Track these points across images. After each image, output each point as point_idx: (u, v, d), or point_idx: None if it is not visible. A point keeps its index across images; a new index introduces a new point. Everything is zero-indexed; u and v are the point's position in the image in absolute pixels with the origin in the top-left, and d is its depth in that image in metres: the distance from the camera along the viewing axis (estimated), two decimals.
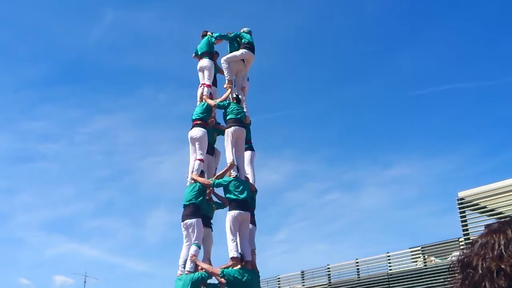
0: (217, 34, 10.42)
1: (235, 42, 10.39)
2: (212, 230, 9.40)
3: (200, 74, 10.25)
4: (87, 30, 52.53)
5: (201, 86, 10.08)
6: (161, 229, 52.11)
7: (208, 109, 9.68)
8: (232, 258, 8.23)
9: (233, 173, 8.85)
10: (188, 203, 8.76)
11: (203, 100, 9.78)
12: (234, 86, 10.20)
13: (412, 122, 49.23)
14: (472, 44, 46.11)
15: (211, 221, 9.45)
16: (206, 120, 9.63)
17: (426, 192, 48.11)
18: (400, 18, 49.32)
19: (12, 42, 51.07)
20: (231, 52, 10.30)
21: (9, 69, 52.14)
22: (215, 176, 9.07)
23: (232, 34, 10.37)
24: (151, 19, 51.08)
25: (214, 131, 9.91)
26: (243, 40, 10.15)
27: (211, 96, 9.90)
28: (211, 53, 10.34)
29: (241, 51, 10.00)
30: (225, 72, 9.94)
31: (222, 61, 10.01)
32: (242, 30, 10.38)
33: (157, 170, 53.32)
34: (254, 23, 51.15)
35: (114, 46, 52.97)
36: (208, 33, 10.48)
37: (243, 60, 10.15)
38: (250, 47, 10.07)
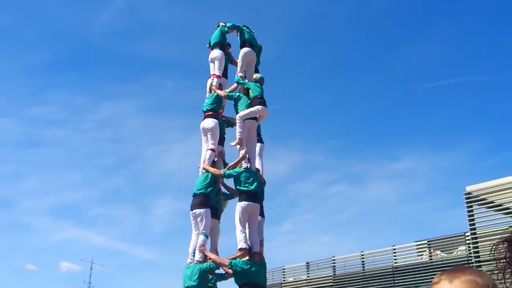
0: (230, 24, 10.38)
1: (241, 36, 10.28)
2: (219, 222, 9.44)
3: (211, 65, 10.23)
4: (95, 16, 52.57)
5: (211, 76, 10.08)
6: (167, 217, 52.45)
7: (218, 100, 9.68)
8: (241, 249, 8.26)
9: (244, 164, 8.86)
10: (198, 192, 8.80)
11: (213, 91, 9.79)
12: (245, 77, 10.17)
13: (421, 116, 49.14)
14: (483, 37, 45.81)
15: (219, 212, 9.49)
16: (217, 110, 9.64)
17: (433, 186, 48.11)
18: (409, 10, 49.01)
19: (19, 27, 51.28)
20: (241, 42, 10.24)
21: (17, 54, 52.38)
22: (227, 167, 9.09)
23: (246, 29, 10.30)
24: (160, 6, 51.03)
25: (224, 122, 9.92)
26: (253, 93, 9.39)
27: (220, 87, 9.88)
28: (223, 44, 10.30)
29: (256, 107, 9.20)
30: (238, 129, 9.13)
31: (237, 118, 9.20)
32: (254, 76, 9.97)
33: (164, 159, 53.59)
34: (260, 12, 50.82)
35: (122, 32, 53.08)
36: (221, 23, 10.47)
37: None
38: (264, 101, 9.39)
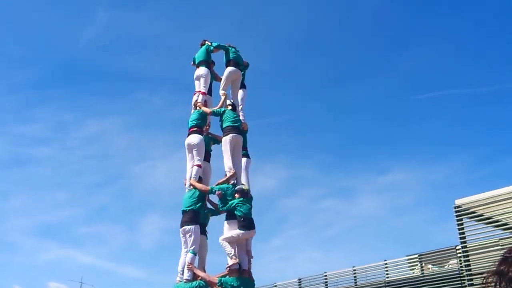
0: (215, 44, 10.49)
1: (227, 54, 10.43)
2: (207, 238, 9.38)
3: (196, 82, 10.36)
4: (79, 32, 52.47)
5: (196, 93, 10.15)
6: (156, 235, 51.84)
7: (203, 116, 9.74)
8: (230, 267, 8.20)
9: (232, 180, 8.87)
10: (187, 209, 8.76)
11: (197, 108, 9.82)
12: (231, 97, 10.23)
13: (408, 128, 49.39)
14: (470, 50, 46.41)
15: (206, 228, 9.43)
16: (202, 126, 9.68)
17: (423, 199, 48.14)
18: (397, 23, 49.61)
19: (3, 44, 50.98)
20: (226, 61, 10.34)
21: (0, 71, 52.01)
22: (216, 183, 9.07)
23: (232, 49, 10.43)
24: (145, 21, 51.12)
25: (210, 139, 9.93)
26: (238, 213, 8.39)
27: (205, 104, 9.97)
28: (208, 62, 10.45)
29: (239, 232, 8.32)
30: (225, 250, 8.37)
31: (221, 241, 8.43)
32: (243, 187, 8.75)
33: (151, 175, 53.08)
34: (249, 26, 51.21)
35: (107, 48, 52.92)
36: (207, 42, 10.58)
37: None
38: (248, 224, 8.42)
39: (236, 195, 8.59)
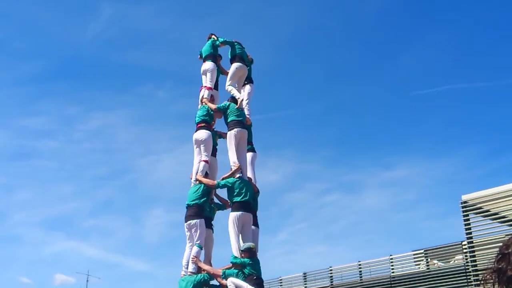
0: (222, 39, 10.44)
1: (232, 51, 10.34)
2: (213, 232, 9.41)
3: (203, 77, 10.30)
4: (85, 26, 52.57)
5: (202, 88, 10.11)
6: (161, 229, 52.11)
7: (211, 111, 9.69)
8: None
9: (237, 174, 8.87)
10: (191, 203, 8.79)
11: (204, 103, 9.80)
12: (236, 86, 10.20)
13: (414, 123, 49.21)
14: (473, 44, 46.07)
15: (212, 222, 9.46)
16: (210, 122, 9.65)
17: (429, 194, 48.05)
18: (399, 19, 49.35)
19: (8, 38, 51.20)
20: (231, 56, 10.27)
21: (6, 65, 52.27)
22: (221, 178, 9.08)
23: (237, 44, 10.35)
24: (150, 15, 51.13)
25: (215, 134, 9.93)
26: (247, 270, 8.08)
27: (212, 99, 9.93)
28: (215, 56, 10.38)
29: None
30: None
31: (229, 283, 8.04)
32: (248, 246, 8.33)
33: (156, 169, 53.26)
34: (253, 21, 51.09)
35: (113, 42, 53.05)
36: (213, 36, 10.53)
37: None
38: (260, 285, 8.15)
39: (244, 255, 8.25)
